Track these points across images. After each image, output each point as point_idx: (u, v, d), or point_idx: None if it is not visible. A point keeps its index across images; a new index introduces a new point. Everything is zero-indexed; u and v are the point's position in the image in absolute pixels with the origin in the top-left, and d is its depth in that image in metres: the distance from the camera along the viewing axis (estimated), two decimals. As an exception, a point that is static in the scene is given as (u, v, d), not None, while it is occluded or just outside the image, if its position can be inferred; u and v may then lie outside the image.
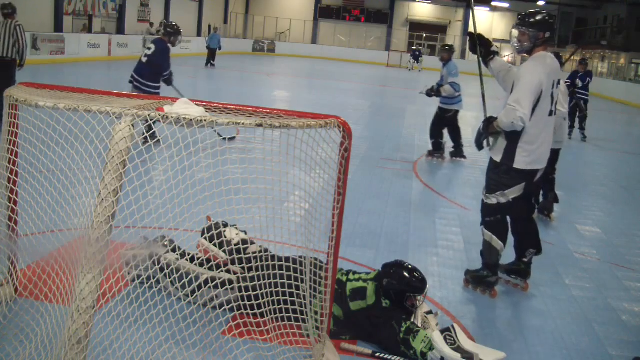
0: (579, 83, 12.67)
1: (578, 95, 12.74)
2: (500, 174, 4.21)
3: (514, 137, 4.12)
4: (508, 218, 4.38)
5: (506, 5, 36.26)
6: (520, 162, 4.13)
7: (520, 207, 4.33)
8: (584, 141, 12.68)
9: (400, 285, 3.47)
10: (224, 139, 8.03)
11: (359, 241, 5.13)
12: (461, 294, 4.33)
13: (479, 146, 4.42)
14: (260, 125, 2.51)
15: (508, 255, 4.53)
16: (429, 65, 34.56)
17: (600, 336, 3.88)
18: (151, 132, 2.63)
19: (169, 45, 8.15)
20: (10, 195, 3.09)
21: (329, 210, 3.01)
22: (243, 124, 2.54)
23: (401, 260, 3.69)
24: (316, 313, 3.16)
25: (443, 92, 8.80)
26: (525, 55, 4.28)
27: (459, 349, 3.13)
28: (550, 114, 4.17)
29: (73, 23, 23.23)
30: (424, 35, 41.41)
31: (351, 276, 3.64)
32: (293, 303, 3.22)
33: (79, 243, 2.58)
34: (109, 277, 2.66)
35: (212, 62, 23.51)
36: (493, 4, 34.73)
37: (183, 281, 3.33)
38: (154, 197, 2.69)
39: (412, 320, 3.43)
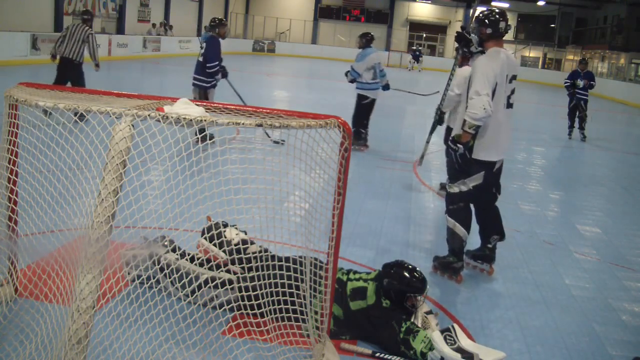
0: (580, 83, 12.65)
1: (578, 95, 12.73)
2: (460, 164, 4.44)
3: None
4: (472, 207, 4.57)
5: (506, 5, 36.25)
6: (478, 153, 4.35)
7: (482, 196, 4.50)
8: (584, 141, 12.67)
9: (401, 285, 3.47)
10: (274, 141, 8.05)
11: (359, 241, 5.13)
12: (461, 294, 4.34)
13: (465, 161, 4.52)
14: (260, 125, 2.51)
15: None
16: (429, 65, 34.57)
17: (600, 336, 3.88)
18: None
19: (219, 38, 8.69)
20: (10, 195, 3.08)
21: (329, 210, 3.01)
22: (243, 124, 2.54)
23: (401, 260, 3.69)
24: (316, 313, 3.16)
25: (347, 77, 9.31)
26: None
27: (459, 349, 3.13)
28: (505, 107, 4.34)
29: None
30: (424, 35, 41.40)
31: (351, 276, 3.64)
32: (293, 303, 3.21)
33: (79, 243, 2.58)
34: (109, 277, 2.66)
35: None
36: (493, 4, 34.74)
37: (183, 281, 3.33)
38: (154, 197, 2.69)
39: (412, 320, 3.43)
